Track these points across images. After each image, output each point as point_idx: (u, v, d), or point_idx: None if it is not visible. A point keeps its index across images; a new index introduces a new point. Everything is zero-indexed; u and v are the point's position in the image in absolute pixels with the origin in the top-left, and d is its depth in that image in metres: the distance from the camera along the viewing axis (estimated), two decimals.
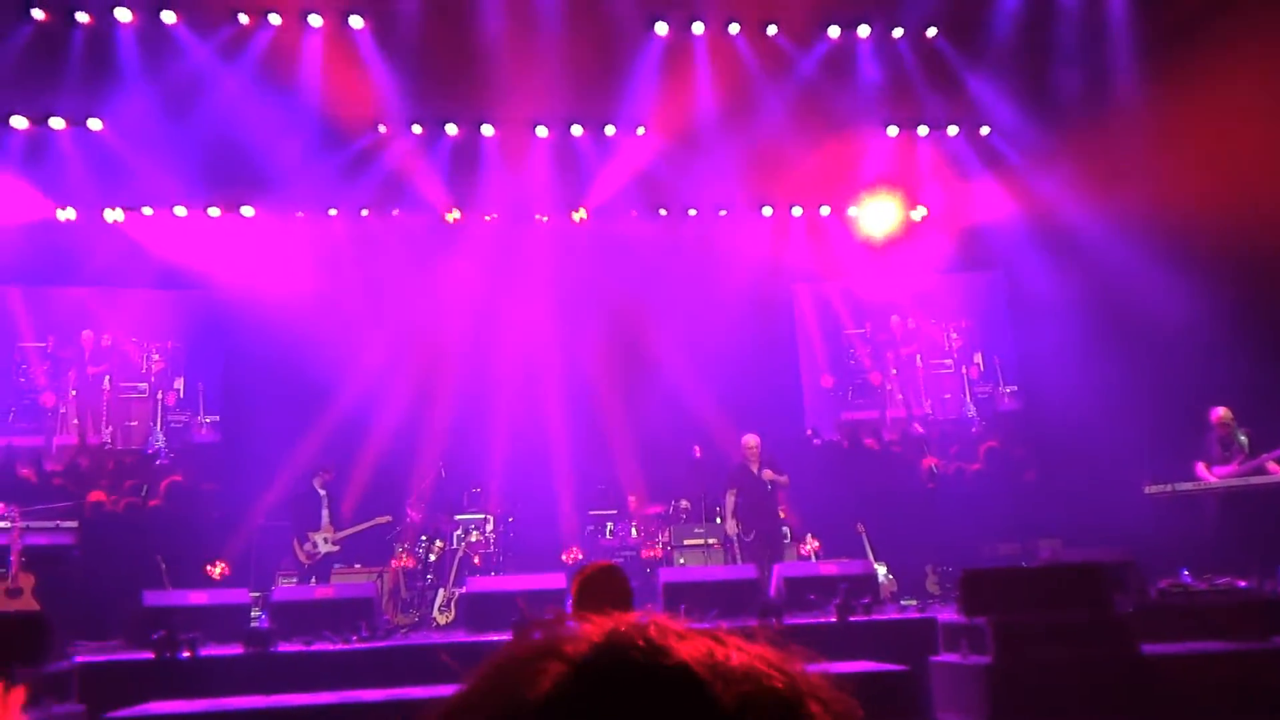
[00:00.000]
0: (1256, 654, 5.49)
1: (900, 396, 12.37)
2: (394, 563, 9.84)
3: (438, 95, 11.14)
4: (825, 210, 12.55)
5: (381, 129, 11.35)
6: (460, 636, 7.55)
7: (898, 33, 11.33)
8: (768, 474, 9.65)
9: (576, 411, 11.45)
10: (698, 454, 11.09)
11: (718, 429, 11.03)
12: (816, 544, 10.22)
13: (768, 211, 12.45)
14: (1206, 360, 10.09)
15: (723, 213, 12.38)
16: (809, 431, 12.37)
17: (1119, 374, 10.55)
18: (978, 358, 12.43)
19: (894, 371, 12.41)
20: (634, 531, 10.77)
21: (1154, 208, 10.15)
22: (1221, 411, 9.26)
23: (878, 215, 12.37)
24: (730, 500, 9.63)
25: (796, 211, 12.51)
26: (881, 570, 9.67)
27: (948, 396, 12.32)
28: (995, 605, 5.97)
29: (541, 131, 11.68)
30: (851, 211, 12.49)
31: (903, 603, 9.18)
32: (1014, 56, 11.22)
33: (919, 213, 12.61)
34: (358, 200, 11.76)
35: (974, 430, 11.85)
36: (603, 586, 3.28)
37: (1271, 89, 9.08)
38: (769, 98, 11.29)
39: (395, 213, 11.96)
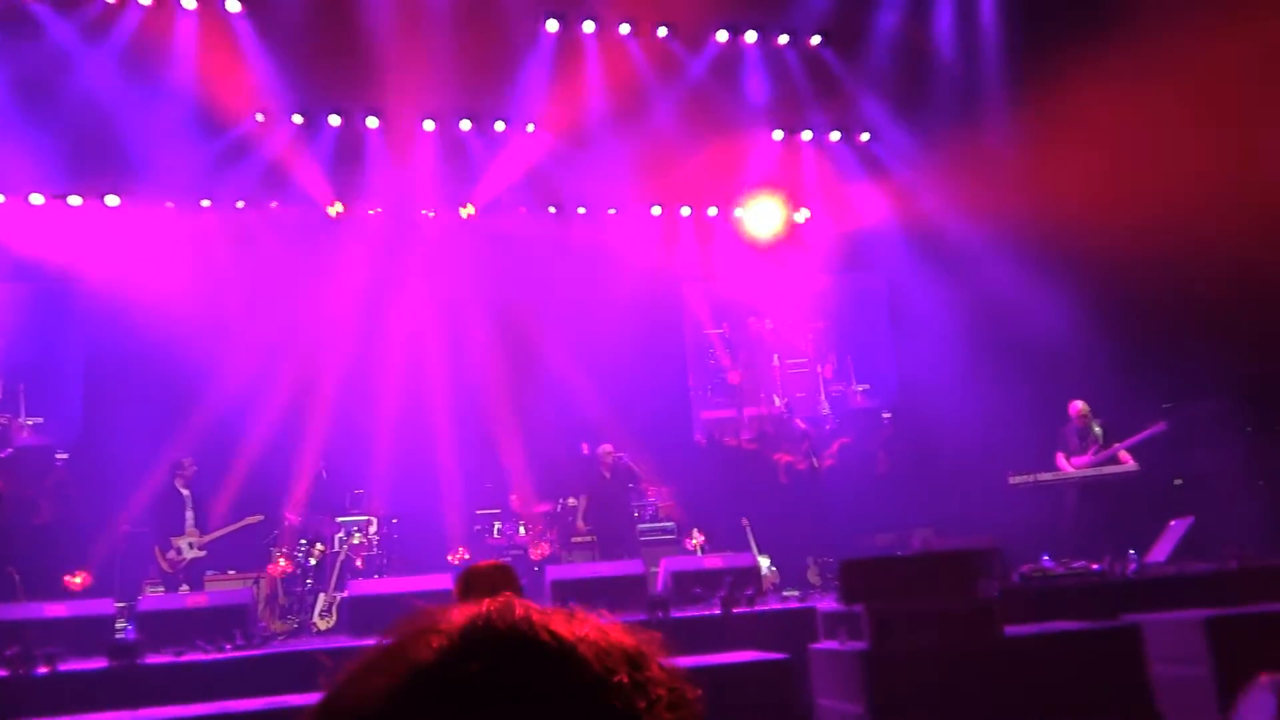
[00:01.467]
0: (1106, 631, 5.87)
1: (760, 395, 12.74)
2: (270, 568, 9.53)
3: (320, 84, 10.83)
4: (712, 211, 12.78)
5: (259, 118, 10.98)
6: (343, 641, 7.38)
7: (783, 39, 11.64)
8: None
9: (463, 410, 11.32)
10: (586, 451, 11.13)
11: (607, 427, 11.11)
12: (702, 538, 10.40)
13: (657, 211, 12.59)
14: (1069, 358, 10.70)
15: (612, 211, 12.47)
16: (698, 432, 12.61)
17: (989, 373, 11.07)
18: (838, 358, 12.90)
19: (751, 370, 12.84)
20: (521, 530, 10.74)
21: (1024, 217, 10.74)
22: (1080, 405, 9.89)
23: (762, 217, 12.66)
24: (581, 504, 10.48)
25: (685, 211, 12.69)
26: (765, 562, 9.92)
27: (802, 395, 12.79)
28: (871, 593, 6.14)
29: (429, 125, 11.51)
30: (738, 213, 12.74)
31: (785, 593, 9.37)
32: (893, 66, 11.70)
33: (802, 215, 12.96)
34: (233, 191, 11.32)
35: (828, 427, 12.24)
36: (491, 585, 3.23)
37: (1133, 107, 9.71)
38: (659, 99, 11.44)
39: (274, 205, 11.58)
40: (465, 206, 12.00)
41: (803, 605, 7.69)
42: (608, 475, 10.45)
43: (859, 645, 5.88)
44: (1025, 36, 11.23)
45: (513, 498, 10.89)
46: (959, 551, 7.47)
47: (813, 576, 10.40)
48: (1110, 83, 9.54)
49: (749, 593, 7.44)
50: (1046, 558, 7.99)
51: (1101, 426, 9.87)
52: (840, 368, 12.96)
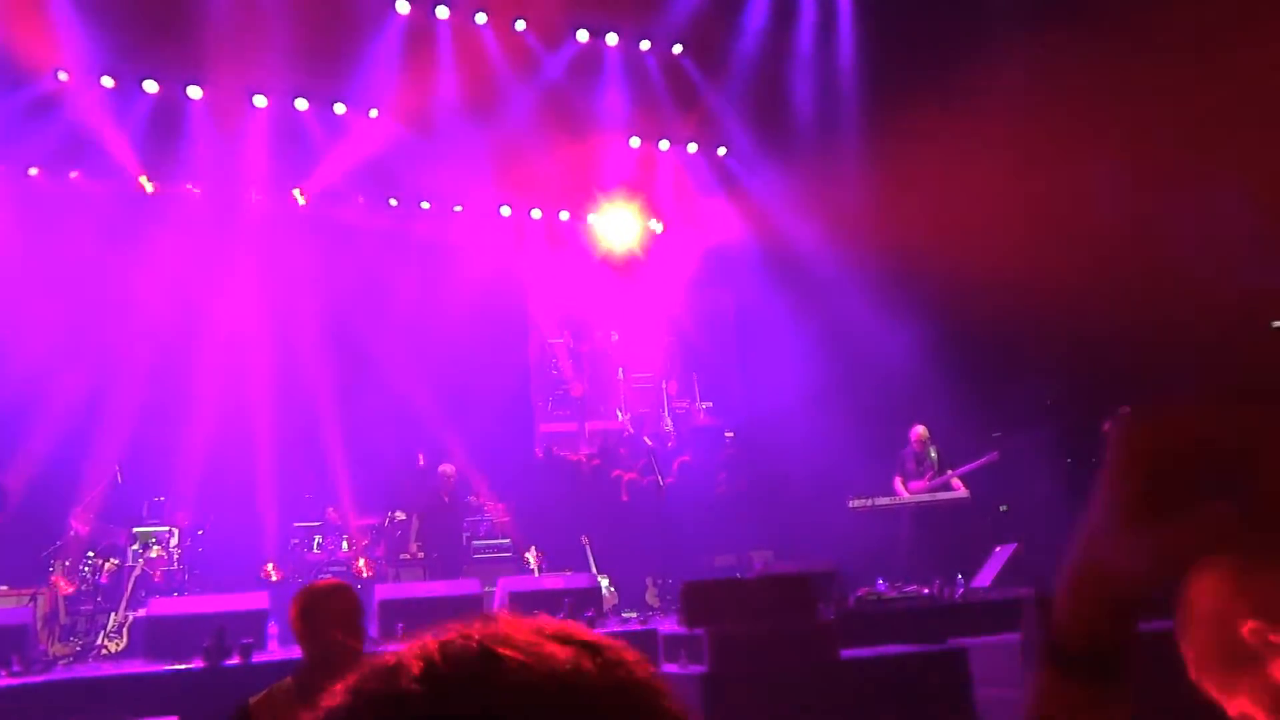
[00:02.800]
0: (935, 654, 6.27)
1: (603, 409, 12.94)
2: (53, 583, 8.82)
3: (136, 45, 10.19)
4: (564, 215, 12.83)
5: (62, 76, 10.22)
6: (137, 667, 6.91)
7: (645, 45, 11.84)
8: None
9: (286, 412, 10.88)
10: (422, 462, 10.93)
11: (446, 437, 10.94)
12: (540, 557, 10.39)
13: (506, 212, 12.52)
14: (911, 386, 11.31)
15: (458, 209, 12.32)
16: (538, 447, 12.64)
17: (833, 396, 11.55)
18: (683, 374, 13.31)
19: (595, 384, 13.09)
20: (345, 545, 10.41)
21: (872, 247, 11.28)
22: (920, 429, 10.50)
23: (616, 225, 12.83)
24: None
25: (535, 214, 12.68)
26: (604, 583, 10.01)
27: (646, 411, 13.05)
28: (712, 616, 6.28)
29: (260, 101, 11.03)
30: (591, 219, 12.85)
31: (624, 615, 9.48)
32: (753, 85, 12.09)
33: (656, 226, 13.20)
34: (26, 156, 10.47)
35: (670, 445, 12.46)
36: (329, 607, 3.08)
37: (971, 149, 10.44)
38: (514, 94, 11.42)
39: (74, 175, 10.78)
40: (297, 192, 11.56)
41: (644, 627, 7.80)
42: (446, 499, 10.30)
43: (699, 668, 6.01)
44: (877, 74, 11.83)
45: (330, 510, 10.55)
46: (799, 574, 7.63)
47: (651, 598, 10.54)
48: (951, 125, 10.21)
49: (589, 615, 7.50)
50: (881, 581, 8.42)
51: (937, 452, 10.49)
52: (685, 385, 13.27)
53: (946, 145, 10.30)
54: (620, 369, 13.15)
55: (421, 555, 10.31)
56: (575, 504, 11.18)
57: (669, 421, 12.94)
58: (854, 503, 10.26)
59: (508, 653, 0.65)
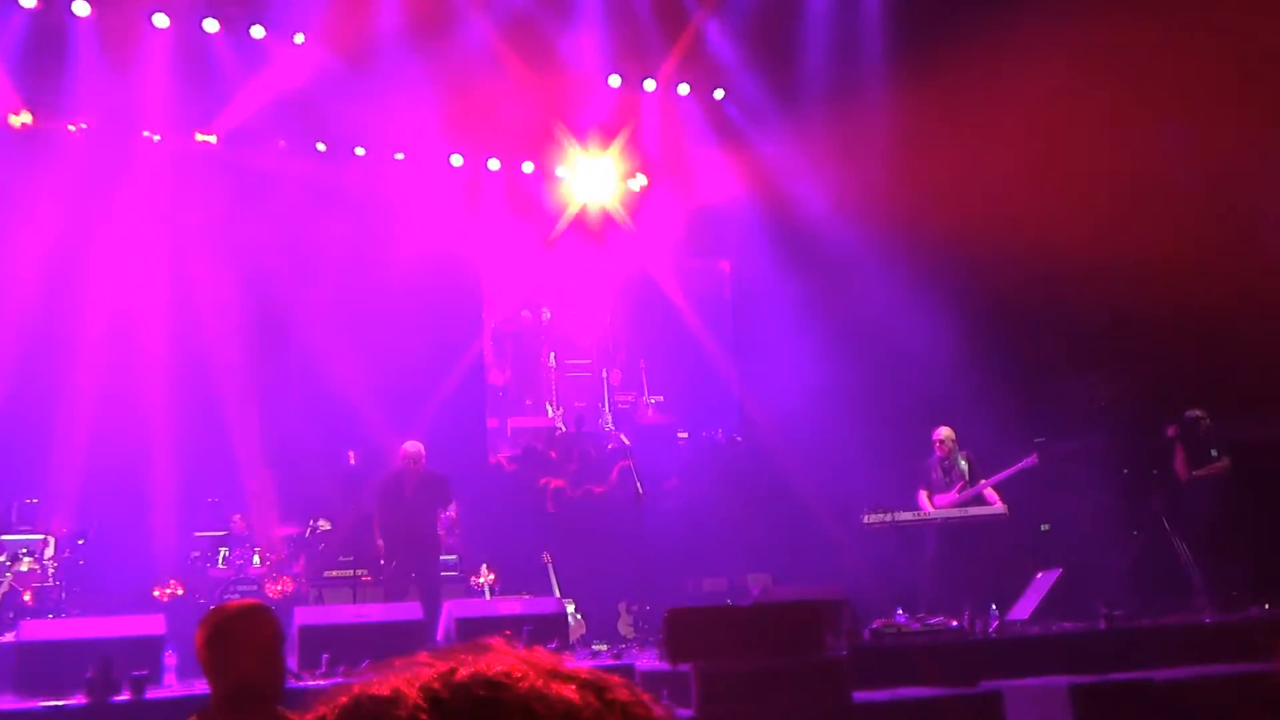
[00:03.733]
0: (965, 698, 6.37)
1: (528, 402, 13.10)
2: None
3: None
4: (528, 167, 12.79)
5: None
6: (5, 703, 6.87)
7: None
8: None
9: (187, 398, 10.81)
10: (352, 460, 10.92)
11: (381, 430, 10.92)
12: (492, 577, 10.43)
13: (458, 161, 12.48)
14: (940, 380, 11.39)
15: (400, 156, 12.26)
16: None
17: (847, 392, 11.63)
18: (628, 361, 13.42)
19: (520, 369, 13.23)
20: (256, 559, 10.41)
21: (899, 216, 11.34)
22: (943, 431, 10.54)
23: (590, 179, 12.79)
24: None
25: (493, 165, 12.64)
26: (570, 608, 10.05)
27: (581, 404, 13.10)
28: (700, 650, 6.41)
29: (160, 21, 10.91)
30: (560, 172, 12.82)
31: (594, 647, 9.54)
32: (759, 15, 12.02)
33: (638, 182, 13.19)
34: None
35: (609, 446, 12.49)
36: (242, 633, 3.07)
37: (1027, 114, 10.51)
38: (471, 20, 11.34)
39: None
40: (205, 132, 11.49)
41: (617, 662, 7.82)
42: (409, 493, 9.70)
43: (684, 712, 6.08)
44: (908, 8, 11.88)
45: (236, 518, 10.56)
46: (803, 602, 7.96)
47: (625, 627, 10.67)
48: (995, 75, 10.23)
49: (553, 646, 7.50)
50: (901, 612, 8.47)
51: (967, 459, 10.57)
52: (630, 374, 13.31)
53: (989, 99, 10.40)
54: (551, 353, 13.17)
55: (361, 575, 10.07)
56: (533, 516, 11.32)
57: (608, 418, 12.98)
58: (869, 518, 10.28)
59: (515, 689, 0.69)
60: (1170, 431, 10.51)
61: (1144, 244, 9.75)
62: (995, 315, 11.58)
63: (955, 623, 8.15)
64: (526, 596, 9.94)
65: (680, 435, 12.85)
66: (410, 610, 8.53)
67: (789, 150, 12.41)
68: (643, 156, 12.97)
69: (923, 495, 10.57)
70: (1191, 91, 9.97)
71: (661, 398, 13.33)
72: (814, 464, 11.68)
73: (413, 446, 9.75)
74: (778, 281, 12.64)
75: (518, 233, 12.87)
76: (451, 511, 9.90)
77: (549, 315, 13.31)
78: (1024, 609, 9.01)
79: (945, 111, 10.88)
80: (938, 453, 10.58)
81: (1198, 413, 10.37)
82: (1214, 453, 10.38)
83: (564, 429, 12.85)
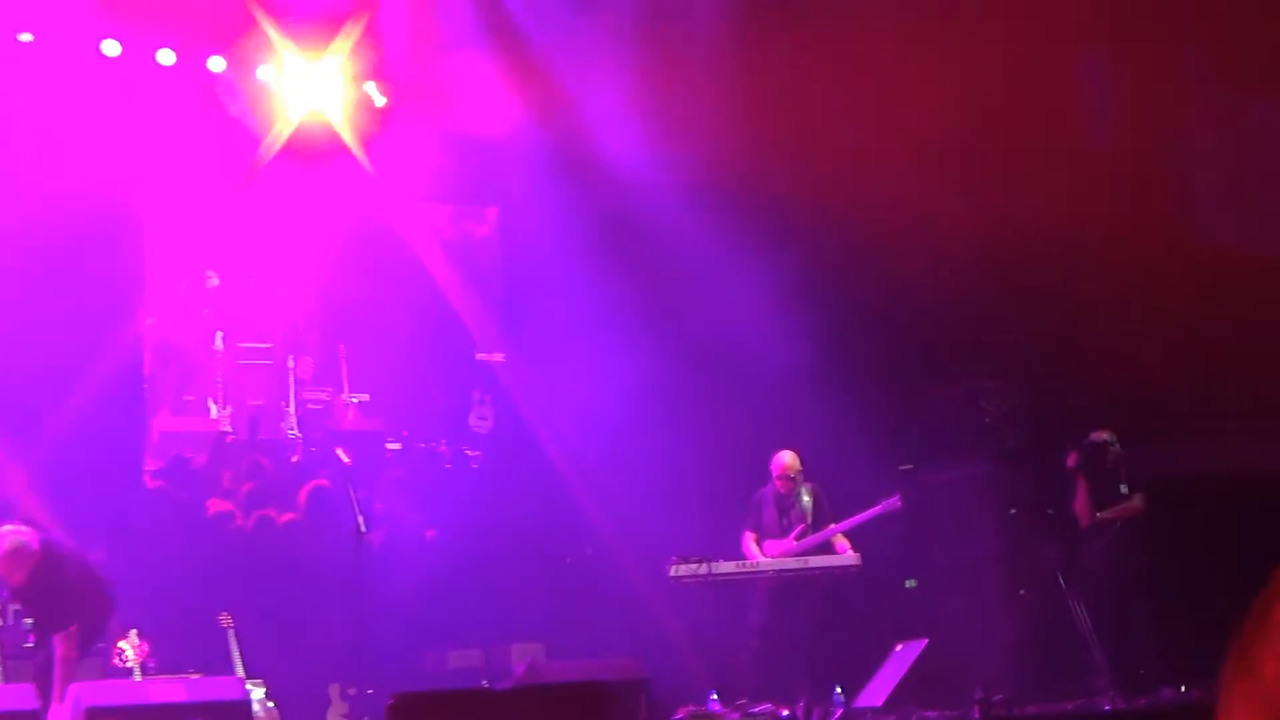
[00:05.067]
0: None
1: (187, 398, 13.21)
2: None
3: None
4: (218, 64, 12.30)
5: None
6: None
7: None
8: None
9: None
10: None
11: None
12: (144, 647, 9.87)
13: (113, 49, 11.90)
14: (781, 387, 11.47)
15: (26, 38, 11.64)
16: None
17: (658, 393, 11.66)
18: (324, 348, 13.65)
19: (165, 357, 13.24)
20: None
21: (736, 175, 11.48)
22: (786, 457, 10.51)
23: (307, 86, 12.46)
24: None
25: (166, 58, 12.11)
26: (258, 694, 9.81)
27: (260, 403, 13.30)
28: None
29: None
30: (263, 74, 12.43)
31: None
32: None
33: (377, 95, 12.84)
34: None
35: (294, 458, 12.61)
36: None
37: (900, 55, 10.61)
38: None
39: None
40: None
41: None
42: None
43: None
44: None
45: None
46: (585, 684, 8.04)
47: (337, 717, 10.58)
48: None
49: None
50: (714, 697, 8.62)
51: (812, 493, 10.57)
52: (326, 363, 13.50)
53: (862, 32, 10.42)
54: (218, 332, 13.10)
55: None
56: (208, 554, 11.02)
57: (294, 422, 12.98)
58: (677, 569, 10.22)
59: None
60: (1071, 460, 10.65)
61: (1047, 214, 9.93)
62: (857, 305, 11.77)
63: (786, 711, 8.33)
64: (195, 676, 9.74)
65: (390, 446, 12.90)
66: (20, 697, 8.28)
67: (593, 70, 12.42)
68: (384, 63, 12.69)
69: (750, 540, 10.52)
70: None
71: (367, 396, 13.51)
72: (608, 494, 11.77)
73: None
74: (567, 245, 12.58)
75: (197, 160, 12.60)
76: None
77: (216, 281, 13.35)
78: (878, 693, 9.07)
79: (805, 45, 10.98)
80: (774, 485, 10.56)
81: (1105, 436, 10.56)
82: (1124, 488, 10.57)
83: (233, 434, 12.76)
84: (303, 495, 11.58)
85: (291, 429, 12.97)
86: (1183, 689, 9.23)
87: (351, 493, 10.47)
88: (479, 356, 13.34)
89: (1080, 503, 10.62)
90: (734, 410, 11.79)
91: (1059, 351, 10.84)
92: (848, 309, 11.77)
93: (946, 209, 9.96)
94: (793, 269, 11.57)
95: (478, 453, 13.14)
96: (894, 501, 10.52)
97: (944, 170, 10.20)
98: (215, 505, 11.53)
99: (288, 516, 11.46)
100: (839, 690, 8.73)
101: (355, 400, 13.41)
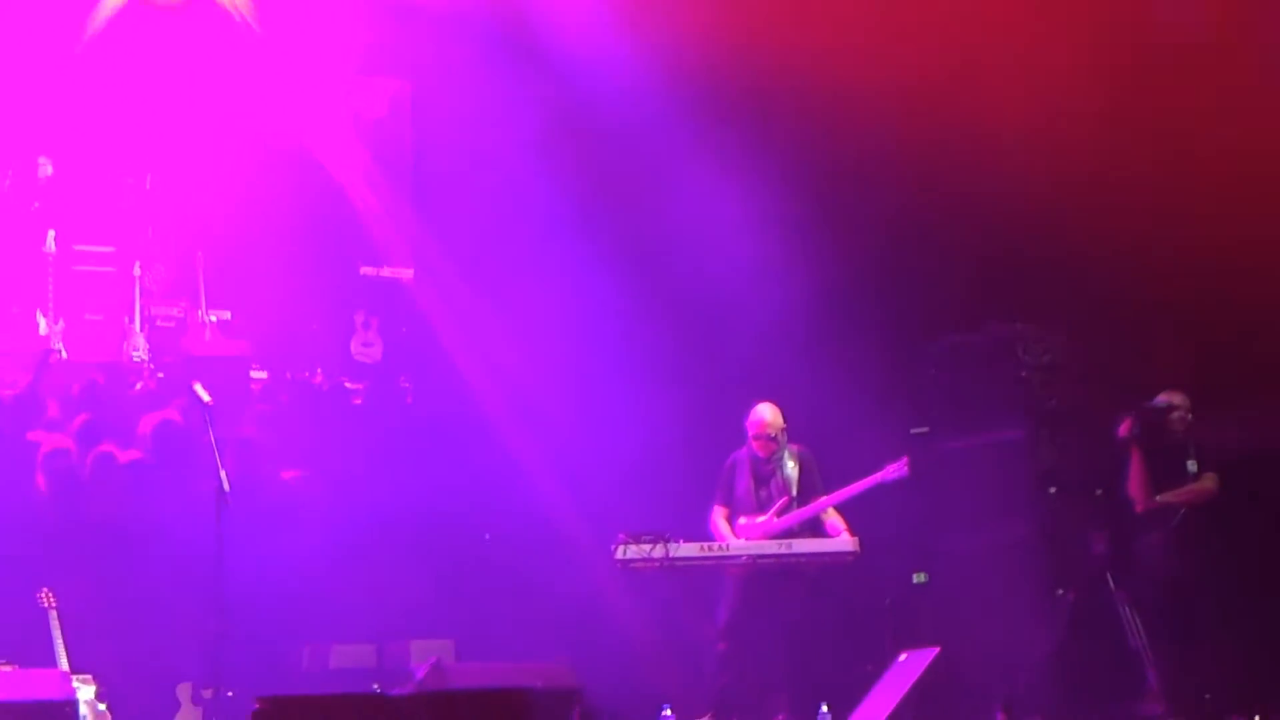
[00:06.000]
0: None
1: (13, 310, 13.29)
2: None
3: None
4: None
5: None
6: None
7: None
8: None
9: None
10: None
11: None
12: None
13: None
14: (770, 328, 11.60)
15: None
16: None
17: (614, 330, 11.78)
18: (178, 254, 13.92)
19: None
20: None
21: (716, 56, 11.66)
22: (766, 412, 10.33)
23: None
24: None
25: None
26: (86, 692, 9.64)
27: (96, 318, 13.51)
28: None
29: None
30: None
31: None
32: None
33: None
34: None
35: (140, 386, 12.68)
36: None
37: None
38: None
39: None
40: None
41: None
42: None
43: None
44: None
45: None
46: (502, 692, 7.95)
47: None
48: None
49: None
50: (668, 712, 8.49)
51: (799, 459, 10.38)
52: (180, 272, 13.75)
53: None
54: (50, 231, 13.20)
55: None
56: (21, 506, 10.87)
57: (140, 343, 13.12)
58: (624, 551, 10.14)
59: None
60: (1125, 428, 10.47)
61: (1126, 133, 9.82)
62: (866, 228, 11.78)
63: None
64: (8, 669, 9.52)
65: (256, 375, 12.93)
66: None
67: None
68: None
69: (719, 516, 10.47)
70: None
71: (228, 314, 13.68)
72: (544, 454, 11.86)
73: None
74: (500, 139, 12.72)
75: (27, 20, 12.99)
76: None
77: (50, 171, 13.39)
78: (875, 713, 9.03)
79: None
80: (754, 448, 10.44)
81: (1172, 399, 10.35)
82: (1192, 466, 10.38)
83: (64, 355, 12.74)
84: (148, 428, 11.25)
85: (136, 350, 13.07)
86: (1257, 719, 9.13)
87: (213, 440, 10.25)
88: (364, 270, 13.42)
89: (1136, 482, 10.38)
90: (711, 354, 11.91)
91: (1121, 293, 10.73)
92: (862, 238, 11.79)
93: (987, 99, 9.84)
94: (782, 185, 11.61)
95: (359, 385, 13.19)
96: (900, 467, 10.29)
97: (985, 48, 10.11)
98: (46, 439, 11.13)
99: (131, 455, 11.08)
100: (825, 708, 8.45)
101: (214, 318, 13.55)
